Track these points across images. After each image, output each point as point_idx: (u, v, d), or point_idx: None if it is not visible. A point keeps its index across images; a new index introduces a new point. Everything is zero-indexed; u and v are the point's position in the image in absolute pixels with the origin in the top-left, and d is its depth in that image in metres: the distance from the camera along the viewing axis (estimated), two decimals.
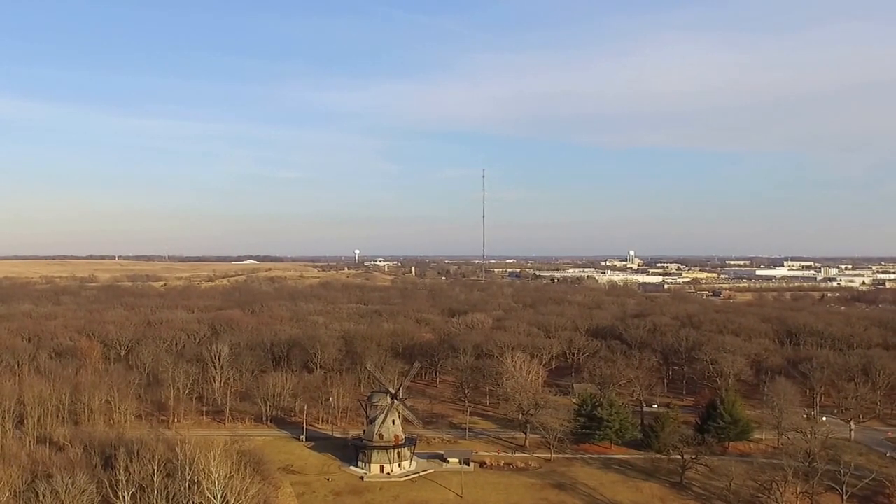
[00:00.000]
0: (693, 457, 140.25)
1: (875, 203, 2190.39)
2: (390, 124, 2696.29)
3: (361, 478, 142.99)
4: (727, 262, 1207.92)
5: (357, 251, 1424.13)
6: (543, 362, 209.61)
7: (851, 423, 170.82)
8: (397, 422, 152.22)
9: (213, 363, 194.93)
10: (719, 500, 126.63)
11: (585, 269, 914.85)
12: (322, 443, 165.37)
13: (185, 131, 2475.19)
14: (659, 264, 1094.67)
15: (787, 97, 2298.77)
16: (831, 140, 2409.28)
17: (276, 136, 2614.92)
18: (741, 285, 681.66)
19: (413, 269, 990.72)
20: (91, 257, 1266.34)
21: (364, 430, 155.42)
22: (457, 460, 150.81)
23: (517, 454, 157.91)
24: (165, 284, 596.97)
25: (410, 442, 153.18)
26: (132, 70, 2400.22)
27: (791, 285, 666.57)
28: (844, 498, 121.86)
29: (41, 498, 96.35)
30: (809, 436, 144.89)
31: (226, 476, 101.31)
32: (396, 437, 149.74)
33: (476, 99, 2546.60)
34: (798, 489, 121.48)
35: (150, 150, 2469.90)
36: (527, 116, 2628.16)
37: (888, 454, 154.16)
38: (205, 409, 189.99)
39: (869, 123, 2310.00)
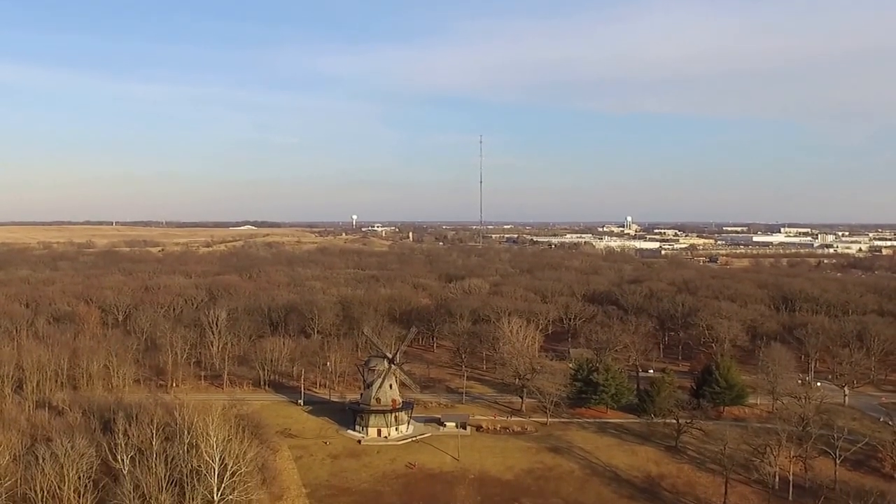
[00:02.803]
0: (688, 421, 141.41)
1: (872, 170, 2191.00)
2: (388, 89, 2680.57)
3: (359, 441, 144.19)
4: (724, 228, 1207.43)
5: (354, 216, 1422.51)
6: (540, 327, 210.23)
7: (845, 388, 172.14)
8: (394, 386, 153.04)
9: (211, 328, 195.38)
10: (714, 464, 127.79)
11: (583, 235, 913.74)
12: (320, 407, 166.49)
13: (181, 96, 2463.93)
14: (656, 230, 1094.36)
15: (785, 63, 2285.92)
16: (830, 107, 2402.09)
17: (273, 102, 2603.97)
18: (738, 251, 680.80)
19: (410, 234, 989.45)
20: (88, 223, 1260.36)
21: (361, 395, 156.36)
22: (454, 424, 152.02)
23: (514, 418, 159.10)
24: (163, 250, 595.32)
25: (407, 406, 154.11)
26: (129, 35, 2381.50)
27: (788, 252, 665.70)
28: (837, 462, 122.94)
29: (41, 461, 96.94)
30: (804, 401, 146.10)
31: (224, 439, 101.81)
32: (394, 401, 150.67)
33: (474, 64, 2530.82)
34: (792, 453, 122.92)
35: (147, 115, 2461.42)
36: (525, 82, 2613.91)
37: (881, 419, 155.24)
38: (203, 373, 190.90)
39: (868, 91, 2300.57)
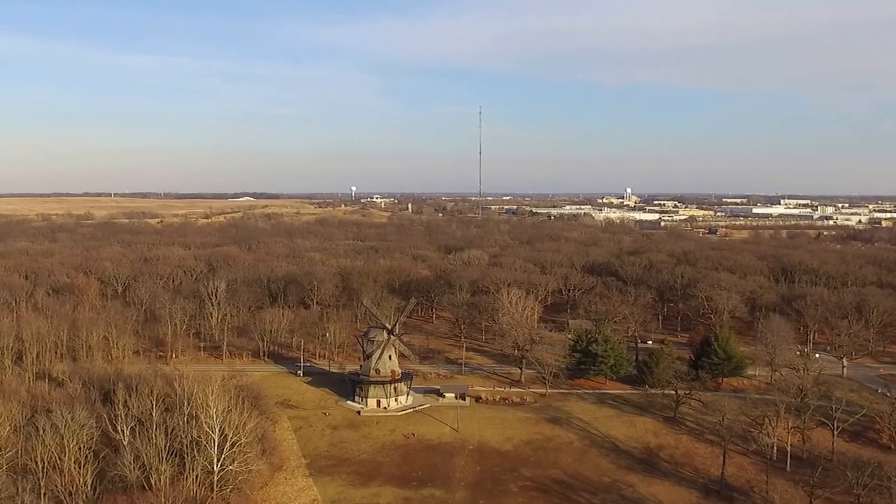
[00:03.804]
0: (687, 392, 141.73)
1: (872, 142, 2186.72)
2: (388, 60, 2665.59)
3: (358, 412, 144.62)
4: (724, 199, 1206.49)
5: (354, 188, 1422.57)
6: (539, 298, 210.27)
7: (844, 359, 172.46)
8: (394, 357, 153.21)
9: (210, 299, 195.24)
10: (712, 435, 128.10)
11: (582, 206, 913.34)
12: (319, 378, 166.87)
13: (180, 68, 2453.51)
14: (656, 202, 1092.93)
15: (786, 34, 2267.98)
16: (830, 78, 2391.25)
17: (272, 73, 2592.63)
18: (738, 223, 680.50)
19: (410, 205, 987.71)
20: (87, 194, 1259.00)
21: (361, 366, 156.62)
22: (453, 395, 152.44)
23: (513, 389, 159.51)
24: (162, 221, 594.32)
25: (407, 377, 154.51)
26: (127, 6, 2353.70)
27: (787, 223, 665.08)
28: (835, 433, 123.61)
29: (41, 432, 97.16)
30: (802, 372, 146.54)
31: (224, 410, 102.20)
32: (393, 372, 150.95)
33: (475, 35, 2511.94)
34: (790, 424, 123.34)
35: (146, 87, 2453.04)
36: (525, 53, 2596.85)
37: (879, 390, 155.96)
38: (202, 344, 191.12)
39: (868, 62, 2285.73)
